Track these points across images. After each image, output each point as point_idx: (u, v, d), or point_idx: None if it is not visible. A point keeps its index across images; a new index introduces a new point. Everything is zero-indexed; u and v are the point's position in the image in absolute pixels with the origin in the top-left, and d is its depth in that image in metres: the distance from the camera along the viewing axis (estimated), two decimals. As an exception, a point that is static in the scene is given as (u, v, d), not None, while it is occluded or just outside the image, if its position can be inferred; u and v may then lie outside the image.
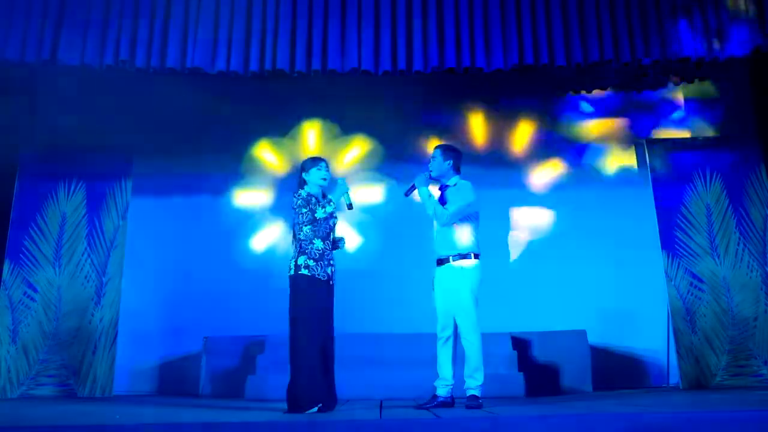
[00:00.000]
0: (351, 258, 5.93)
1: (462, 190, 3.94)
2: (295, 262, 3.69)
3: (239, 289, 5.81)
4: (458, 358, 3.92)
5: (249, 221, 6.12)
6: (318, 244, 3.72)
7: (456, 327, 3.89)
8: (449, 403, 3.85)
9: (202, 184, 6.20)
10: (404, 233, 6.05)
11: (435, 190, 4.06)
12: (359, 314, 5.54)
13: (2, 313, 5.42)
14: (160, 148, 6.20)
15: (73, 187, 5.74)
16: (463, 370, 3.86)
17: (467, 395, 3.80)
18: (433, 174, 4.02)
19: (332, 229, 3.84)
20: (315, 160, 3.91)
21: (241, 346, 5.42)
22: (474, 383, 3.79)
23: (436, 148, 4.09)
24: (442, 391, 3.86)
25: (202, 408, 4.10)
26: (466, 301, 3.80)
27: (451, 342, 3.90)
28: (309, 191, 3.81)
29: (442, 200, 3.96)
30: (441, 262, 3.91)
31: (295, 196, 3.78)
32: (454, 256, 3.86)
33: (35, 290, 5.49)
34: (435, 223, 3.99)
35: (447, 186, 4.02)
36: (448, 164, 4.02)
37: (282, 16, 5.18)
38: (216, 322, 5.68)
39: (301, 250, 3.71)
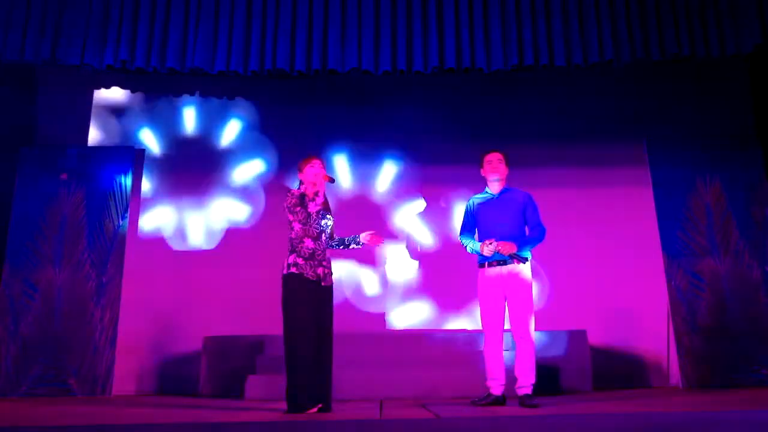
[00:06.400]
0: (354, 258, 5.94)
1: (535, 204, 4.13)
2: (286, 260, 3.71)
3: (239, 288, 5.80)
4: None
5: (250, 220, 6.11)
6: (308, 243, 3.72)
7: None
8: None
9: (202, 184, 6.19)
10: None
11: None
12: (359, 314, 5.55)
13: (2, 313, 5.42)
14: (160, 148, 6.20)
15: (73, 187, 5.74)
16: (514, 369, 3.92)
17: (521, 394, 3.86)
18: (498, 178, 4.13)
19: (324, 229, 3.84)
20: (308, 159, 3.93)
21: (241, 346, 5.42)
22: (529, 381, 3.85)
23: (503, 154, 4.19)
24: (498, 390, 3.92)
25: (202, 408, 4.10)
26: (531, 302, 3.91)
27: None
28: (303, 190, 3.82)
29: (513, 210, 4.07)
30: (503, 262, 3.94)
31: (288, 195, 3.80)
32: (520, 258, 3.94)
33: (35, 290, 5.49)
34: (486, 224, 4.07)
35: (508, 190, 4.16)
36: (507, 171, 4.19)
37: (282, 16, 5.19)
38: (216, 322, 5.67)
39: (291, 249, 3.73)
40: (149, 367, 5.73)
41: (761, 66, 5.64)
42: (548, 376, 4.98)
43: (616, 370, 5.57)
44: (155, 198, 6.12)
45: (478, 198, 4.21)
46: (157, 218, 6.08)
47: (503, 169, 4.14)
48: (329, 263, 3.82)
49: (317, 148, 5.96)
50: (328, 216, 3.86)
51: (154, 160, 6.16)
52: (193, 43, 5.14)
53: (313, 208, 3.74)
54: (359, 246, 4.00)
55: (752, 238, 5.48)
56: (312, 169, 3.84)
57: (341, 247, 4.00)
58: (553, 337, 5.30)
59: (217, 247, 6.03)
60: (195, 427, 3.07)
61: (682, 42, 5.09)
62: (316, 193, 3.79)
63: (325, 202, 3.88)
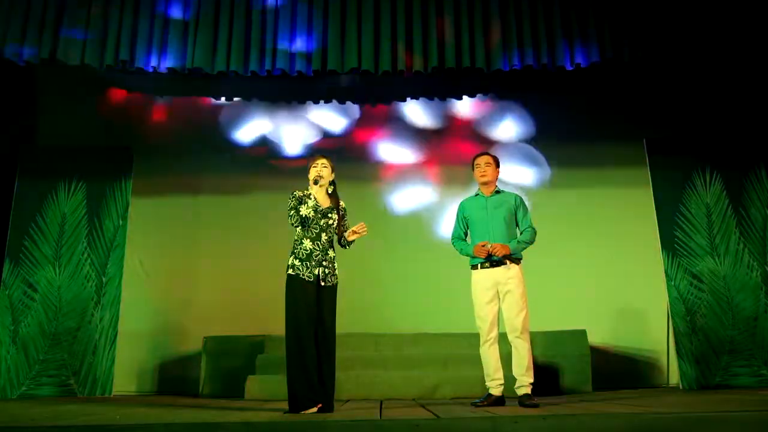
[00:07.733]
0: (354, 258, 5.92)
1: (525, 205, 4.14)
2: (287, 262, 3.71)
3: (239, 289, 5.80)
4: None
5: (250, 220, 6.10)
6: (306, 244, 3.71)
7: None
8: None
9: (202, 184, 6.18)
10: (407, 234, 6.07)
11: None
12: (360, 314, 5.53)
13: (2, 313, 5.42)
14: (160, 148, 6.19)
15: (73, 187, 5.74)
16: (512, 369, 3.91)
17: (520, 394, 3.86)
18: (488, 181, 4.10)
19: (325, 229, 3.76)
20: (312, 158, 3.92)
21: (241, 346, 5.42)
22: (527, 381, 3.84)
23: (492, 157, 4.16)
24: (497, 390, 3.91)
25: (202, 408, 4.10)
26: (524, 302, 3.89)
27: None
28: (304, 190, 3.80)
29: (505, 211, 4.03)
30: (496, 264, 3.92)
31: (289, 198, 3.78)
32: (513, 259, 3.93)
33: (35, 290, 5.49)
34: (478, 227, 4.04)
35: (499, 192, 4.13)
36: (497, 174, 4.16)
37: (281, 17, 5.19)
38: (216, 322, 5.66)
39: (291, 251, 3.72)
40: (149, 367, 5.73)
41: (761, 66, 5.64)
42: (548, 376, 4.98)
43: (616, 370, 5.57)
44: (155, 198, 6.10)
45: (469, 201, 4.19)
46: (158, 218, 6.06)
47: (492, 171, 4.12)
48: (331, 263, 3.77)
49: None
50: (329, 215, 3.81)
51: (155, 159, 6.12)
52: (192, 44, 5.14)
53: (303, 210, 3.72)
54: (351, 244, 3.89)
55: (752, 238, 5.48)
56: (314, 169, 3.84)
57: (344, 247, 3.96)
58: (553, 337, 5.30)
59: (216, 246, 6.01)
60: (195, 427, 3.07)
61: (681, 42, 5.11)
62: (309, 196, 3.78)
63: (334, 199, 3.86)
